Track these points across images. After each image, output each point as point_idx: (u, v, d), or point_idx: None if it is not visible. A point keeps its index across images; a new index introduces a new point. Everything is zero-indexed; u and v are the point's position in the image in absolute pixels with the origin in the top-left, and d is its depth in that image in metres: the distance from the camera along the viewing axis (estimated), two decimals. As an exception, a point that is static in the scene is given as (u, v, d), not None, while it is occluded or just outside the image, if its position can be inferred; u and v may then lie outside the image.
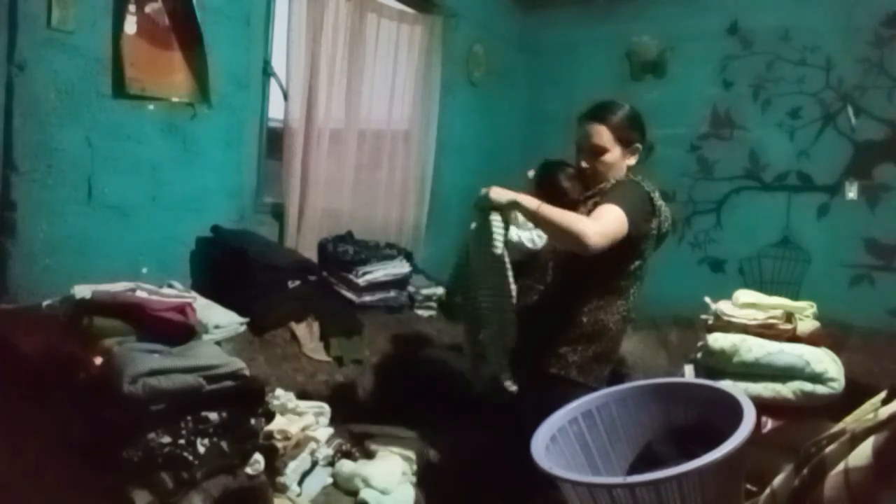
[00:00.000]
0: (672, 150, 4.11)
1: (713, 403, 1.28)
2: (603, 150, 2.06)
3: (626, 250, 1.96)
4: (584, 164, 2.10)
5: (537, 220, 1.89)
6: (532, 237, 2.25)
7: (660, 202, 2.05)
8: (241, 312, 2.25)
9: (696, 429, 1.31)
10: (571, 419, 1.36)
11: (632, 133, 2.09)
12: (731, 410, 1.18)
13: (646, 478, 1.07)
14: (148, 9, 2.37)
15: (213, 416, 1.71)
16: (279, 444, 1.94)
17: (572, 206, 2.05)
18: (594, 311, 2.03)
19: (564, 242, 1.91)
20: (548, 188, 2.24)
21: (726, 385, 1.44)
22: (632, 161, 2.10)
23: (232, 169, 2.79)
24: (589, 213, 1.95)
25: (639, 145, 2.10)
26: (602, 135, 2.06)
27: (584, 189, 2.14)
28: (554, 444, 1.28)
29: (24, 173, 2.11)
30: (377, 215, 3.58)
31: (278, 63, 2.98)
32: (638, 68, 4.27)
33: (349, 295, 2.94)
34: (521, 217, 2.10)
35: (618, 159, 2.07)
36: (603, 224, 1.85)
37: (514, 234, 2.24)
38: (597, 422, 1.38)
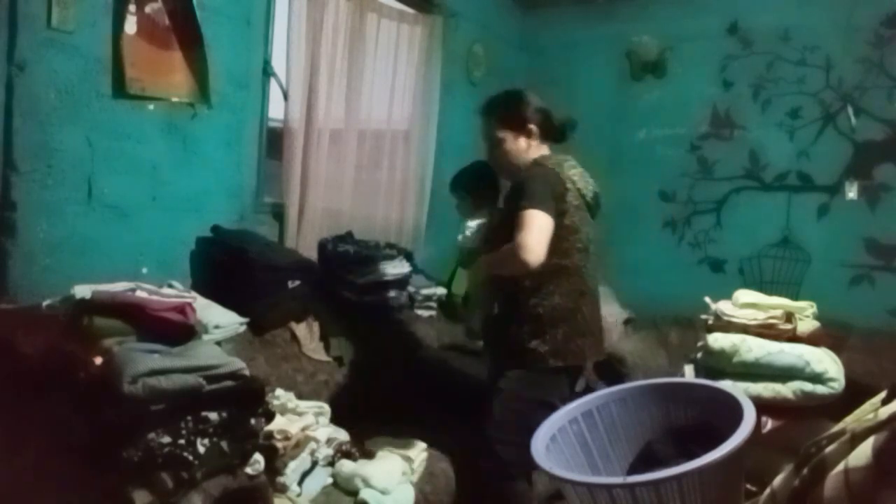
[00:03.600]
0: (672, 150, 4.12)
1: (713, 403, 1.28)
2: (496, 141, 2.17)
3: (556, 231, 2.03)
4: (489, 158, 2.25)
5: (485, 278, 2.14)
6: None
7: (570, 171, 2.12)
8: (241, 312, 2.25)
9: (696, 429, 1.31)
10: (571, 419, 1.36)
11: (517, 116, 2.15)
12: (731, 410, 1.18)
13: (646, 478, 1.07)
14: (148, 9, 2.36)
15: (213, 416, 1.71)
16: (279, 444, 1.94)
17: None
18: (548, 297, 2.08)
19: (512, 273, 2.04)
20: (483, 190, 2.58)
21: (726, 385, 1.44)
22: (532, 142, 2.16)
23: (232, 169, 2.79)
24: (510, 214, 2.04)
25: (532, 126, 2.15)
26: (491, 127, 2.18)
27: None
28: (554, 444, 1.28)
29: (24, 173, 2.11)
30: (377, 215, 3.58)
31: (278, 63, 2.98)
32: (638, 68, 4.27)
33: (349, 295, 2.94)
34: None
35: (514, 146, 2.15)
36: (531, 238, 1.93)
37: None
38: (597, 421, 1.38)
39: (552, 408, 1.37)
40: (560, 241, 2.04)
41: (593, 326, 2.18)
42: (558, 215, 2.01)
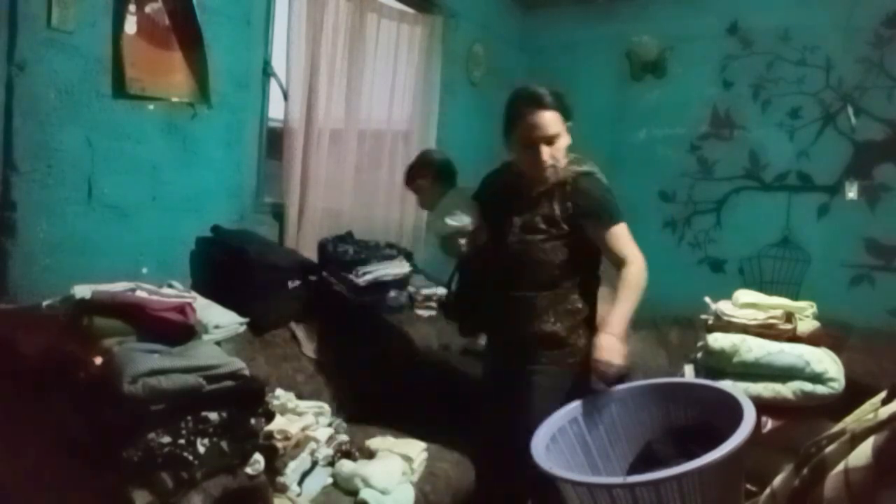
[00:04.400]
0: (672, 150, 4.12)
1: (713, 403, 1.29)
2: (557, 138, 2.04)
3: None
4: (545, 159, 2.02)
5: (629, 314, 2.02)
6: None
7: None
8: (241, 312, 2.24)
9: (696, 428, 1.31)
10: (572, 419, 1.36)
11: (568, 111, 2.08)
12: (731, 410, 1.18)
13: (646, 478, 1.07)
14: (148, 9, 2.36)
15: (213, 416, 1.71)
16: (279, 444, 1.94)
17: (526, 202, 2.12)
18: (587, 297, 2.15)
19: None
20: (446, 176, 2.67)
21: (726, 385, 1.44)
22: (569, 140, 2.10)
23: (232, 169, 2.79)
24: (549, 218, 2.07)
25: (570, 123, 2.11)
26: (555, 122, 2.01)
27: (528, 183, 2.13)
28: (554, 444, 1.29)
29: (24, 173, 2.11)
30: (377, 215, 3.58)
31: (278, 63, 2.98)
32: (638, 68, 4.27)
33: (349, 295, 2.94)
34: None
35: (566, 143, 2.08)
36: (635, 251, 2.02)
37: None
38: (597, 421, 1.38)
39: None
40: (595, 250, 2.13)
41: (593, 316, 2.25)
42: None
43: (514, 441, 1.77)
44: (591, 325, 2.14)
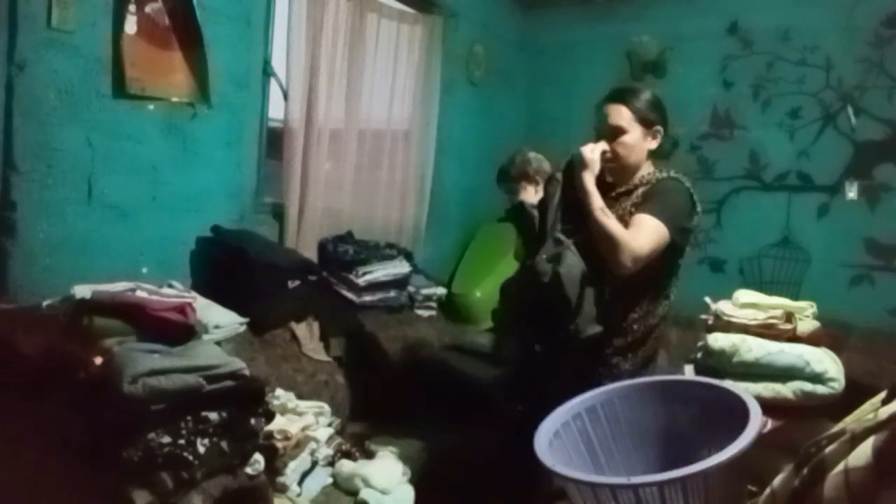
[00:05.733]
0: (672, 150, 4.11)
1: (717, 402, 1.28)
2: (622, 131, 1.98)
3: (672, 253, 1.96)
4: (604, 148, 1.98)
5: (593, 218, 1.86)
6: None
7: (695, 195, 2.05)
8: (241, 312, 2.25)
9: (700, 427, 1.31)
10: (575, 415, 1.36)
11: (651, 113, 2.01)
12: (735, 410, 1.18)
13: (650, 479, 1.06)
14: (148, 9, 2.36)
15: (213, 416, 1.71)
16: (279, 444, 1.94)
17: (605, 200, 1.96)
18: (644, 318, 1.99)
19: (604, 249, 1.86)
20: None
21: (728, 385, 1.44)
22: (653, 145, 2.03)
23: (232, 169, 2.79)
24: (620, 218, 1.91)
25: (660, 128, 2.03)
26: (621, 114, 1.98)
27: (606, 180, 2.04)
28: (557, 440, 1.28)
29: (24, 173, 2.11)
30: (377, 215, 3.58)
31: (278, 63, 2.98)
32: (638, 68, 4.27)
33: (349, 295, 2.94)
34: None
35: (638, 141, 1.99)
36: (641, 246, 1.83)
37: None
38: (600, 417, 1.38)
39: None
40: (670, 263, 1.99)
41: (657, 353, 2.10)
42: (682, 238, 1.96)
43: None
44: (641, 348, 1.99)
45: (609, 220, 1.86)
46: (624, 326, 1.99)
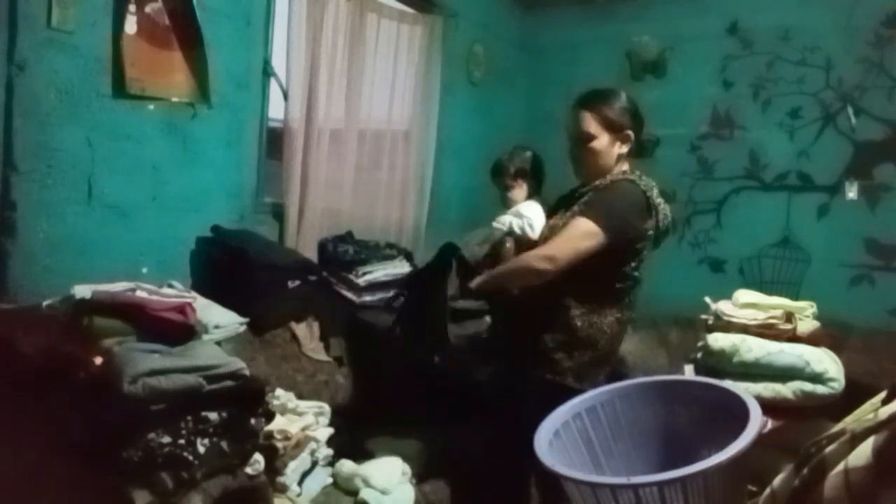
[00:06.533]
0: (672, 150, 4.10)
1: (717, 403, 1.28)
2: (590, 137, 2.02)
3: (619, 254, 1.96)
4: (575, 155, 2.07)
5: (491, 287, 2.04)
6: (523, 224, 2.28)
7: (658, 200, 2.03)
8: (241, 312, 2.24)
9: (699, 427, 1.31)
10: (575, 414, 1.36)
11: (620, 119, 2.04)
12: (735, 410, 1.18)
13: (650, 479, 1.06)
14: (148, 9, 2.36)
15: (213, 416, 1.71)
16: (279, 444, 1.94)
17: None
18: (589, 315, 2.01)
19: (524, 283, 2.02)
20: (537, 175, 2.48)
21: (728, 385, 1.44)
22: (623, 150, 2.05)
23: (232, 169, 2.79)
24: (572, 216, 1.97)
25: (630, 133, 2.05)
26: (588, 121, 2.03)
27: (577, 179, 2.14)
28: (557, 440, 1.28)
29: (24, 173, 2.11)
30: (377, 215, 3.58)
31: (278, 63, 2.98)
32: (638, 68, 4.27)
33: (349, 295, 2.94)
34: (519, 205, 2.33)
35: (606, 147, 2.03)
36: (552, 248, 1.91)
37: (507, 221, 2.31)
38: (600, 418, 1.38)
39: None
40: (619, 266, 1.99)
41: (612, 357, 2.12)
42: (629, 242, 1.96)
43: None
44: (589, 348, 2.01)
45: (492, 274, 2.05)
46: (566, 322, 2.01)
